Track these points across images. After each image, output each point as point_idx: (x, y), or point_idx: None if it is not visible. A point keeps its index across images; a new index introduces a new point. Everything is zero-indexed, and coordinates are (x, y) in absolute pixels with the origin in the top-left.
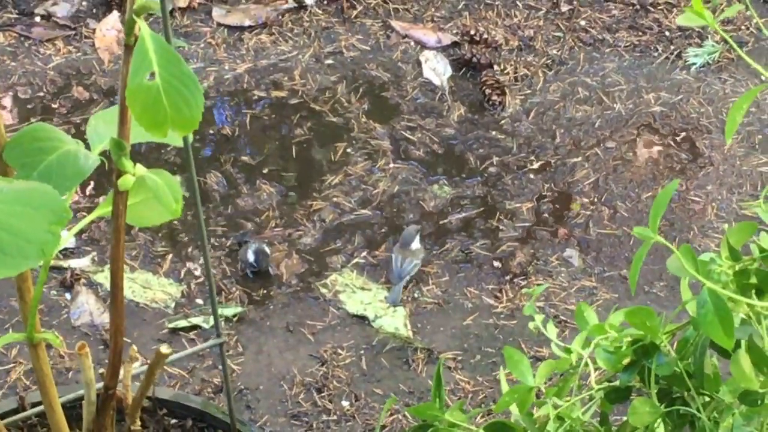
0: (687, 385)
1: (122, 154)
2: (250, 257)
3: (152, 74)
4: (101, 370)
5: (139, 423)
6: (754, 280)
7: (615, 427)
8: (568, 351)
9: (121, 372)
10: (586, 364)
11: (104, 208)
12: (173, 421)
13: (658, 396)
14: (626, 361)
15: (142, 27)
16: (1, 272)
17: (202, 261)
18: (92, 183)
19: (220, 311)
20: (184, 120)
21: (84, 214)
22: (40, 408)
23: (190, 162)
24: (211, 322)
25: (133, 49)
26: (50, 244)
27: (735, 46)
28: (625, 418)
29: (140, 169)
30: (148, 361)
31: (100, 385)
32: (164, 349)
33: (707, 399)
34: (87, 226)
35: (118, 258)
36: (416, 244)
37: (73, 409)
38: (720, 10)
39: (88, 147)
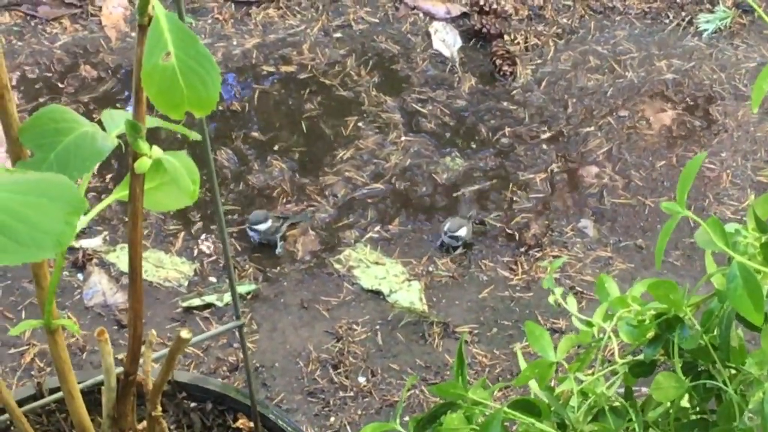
0: (712, 357)
1: (138, 136)
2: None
3: (167, 54)
4: (120, 356)
5: (160, 408)
6: None
7: (639, 400)
8: (590, 324)
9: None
10: (609, 338)
11: (120, 191)
12: (193, 404)
13: (683, 370)
14: (650, 334)
15: (156, 6)
16: (16, 261)
17: (215, 239)
18: (100, 162)
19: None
20: (201, 100)
21: (93, 193)
22: (59, 395)
23: (205, 139)
24: (225, 299)
25: (147, 30)
26: (66, 235)
27: (756, 6)
28: (646, 389)
29: (157, 151)
30: (164, 342)
31: (119, 369)
32: (185, 333)
33: (733, 372)
34: None
35: (136, 242)
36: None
37: (91, 394)
38: None
39: (103, 130)
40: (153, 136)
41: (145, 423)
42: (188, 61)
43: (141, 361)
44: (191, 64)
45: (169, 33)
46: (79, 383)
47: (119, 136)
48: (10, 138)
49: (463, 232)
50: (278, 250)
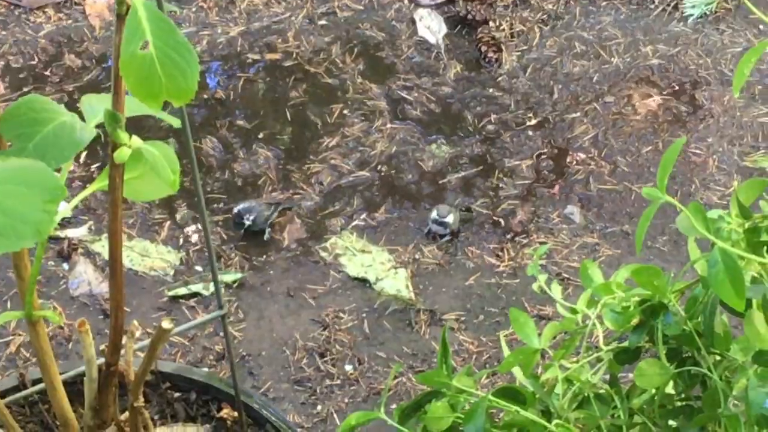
0: (697, 344)
1: (117, 126)
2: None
3: (146, 43)
4: (102, 346)
5: (142, 399)
6: (765, 237)
7: (624, 387)
8: (574, 311)
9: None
10: (594, 325)
11: (101, 181)
12: (177, 394)
13: (668, 356)
14: (635, 321)
15: None
16: None
17: (200, 227)
18: (85, 151)
19: (219, 277)
20: (180, 90)
21: (78, 183)
22: (41, 386)
23: (186, 128)
24: (211, 288)
25: (125, 19)
26: (46, 223)
27: None
28: (632, 375)
29: (136, 140)
30: (149, 331)
31: (102, 360)
32: (166, 324)
33: (718, 358)
34: None
35: (116, 232)
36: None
37: (74, 385)
38: None
39: (83, 119)
40: (136, 125)
41: (127, 413)
42: (166, 50)
43: (123, 351)
44: (169, 53)
45: (147, 22)
46: (61, 374)
47: (99, 125)
48: None
49: (450, 219)
50: (266, 237)
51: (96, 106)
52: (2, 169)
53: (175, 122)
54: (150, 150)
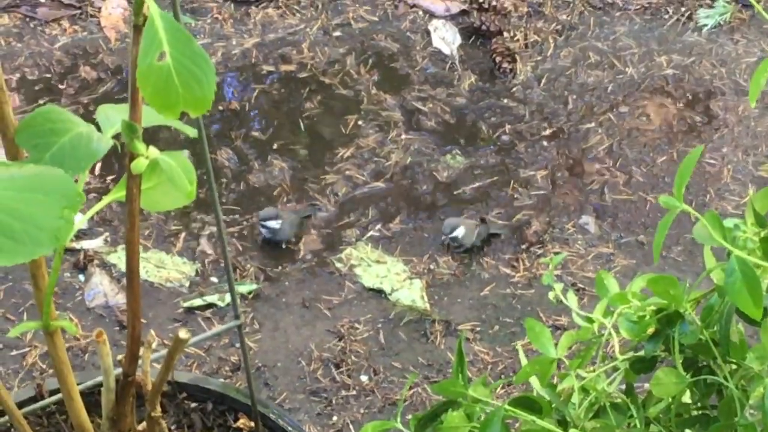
0: (713, 353)
1: (134, 137)
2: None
3: (162, 54)
4: (119, 357)
5: (159, 409)
6: None
7: (640, 396)
8: (590, 320)
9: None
10: (609, 334)
11: (118, 192)
12: (193, 404)
13: (684, 365)
14: (651, 330)
15: (150, 6)
16: (13, 260)
17: (216, 239)
18: (100, 163)
19: (235, 288)
20: (197, 100)
21: (94, 194)
22: (59, 396)
23: (203, 139)
24: (227, 299)
25: (143, 29)
26: (63, 230)
27: (755, 3)
28: (647, 385)
29: (153, 151)
30: (165, 342)
31: (119, 371)
32: (183, 334)
33: (734, 367)
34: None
35: (133, 243)
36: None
37: (91, 395)
38: None
39: (99, 130)
40: (152, 137)
41: (144, 424)
42: (183, 60)
43: (140, 361)
44: (186, 64)
45: (164, 32)
46: (78, 384)
47: (116, 136)
48: (6, 139)
49: (460, 233)
50: (284, 246)
51: (112, 116)
52: (19, 176)
53: (191, 132)
54: (167, 160)
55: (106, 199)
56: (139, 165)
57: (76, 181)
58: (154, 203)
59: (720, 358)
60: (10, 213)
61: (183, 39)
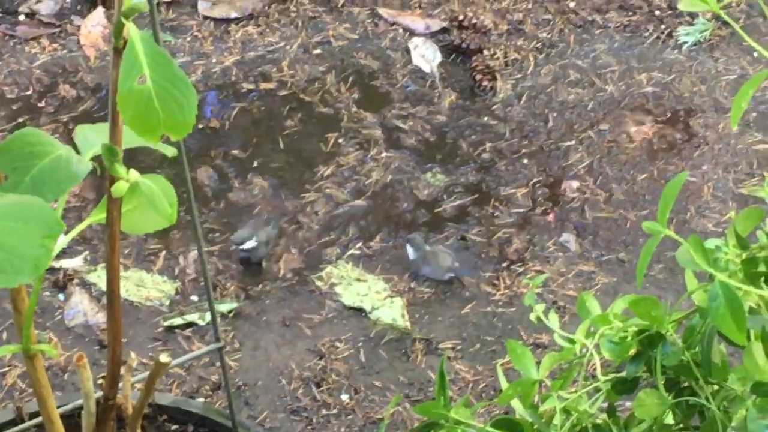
0: (695, 374)
1: (115, 160)
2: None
3: (143, 78)
4: (100, 377)
5: None
6: (763, 268)
7: (622, 417)
8: (571, 341)
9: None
10: (591, 355)
11: (98, 214)
12: (174, 427)
13: (666, 386)
14: (632, 351)
15: (131, 29)
16: None
17: (195, 257)
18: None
19: (215, 307)
20: (177, 124)
21: (74, 212)
22: (39, 419)
23: (183, 158)
24: (207, 318)
25: (123, 53)
26: (43, 259)
27: (733, 23)
28: (630, 404)
29: (134, 174)
30: (145, 362)
31: (99, 393)
32: (164, 358)
33: (716, 388)
34: None
35: (114, 266)
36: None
37: (72, 418)
38: None
39: (78, 152)
40: (130, 154)
41: None
42: (164, 84)
43: (120, 384)
44: (167, 87)
45: (145, 56)
46: (59, 407)
47: (94, 157)
48: None
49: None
50: (264, 264)
51: (91, 137)
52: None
53: (171, 152)
54: (148, 184)
55: (85, 222)
56: (119, 188)
57: (56, 204)
58: (135, 226)
59: (702, 379)
60: None
61: (163, 62)
